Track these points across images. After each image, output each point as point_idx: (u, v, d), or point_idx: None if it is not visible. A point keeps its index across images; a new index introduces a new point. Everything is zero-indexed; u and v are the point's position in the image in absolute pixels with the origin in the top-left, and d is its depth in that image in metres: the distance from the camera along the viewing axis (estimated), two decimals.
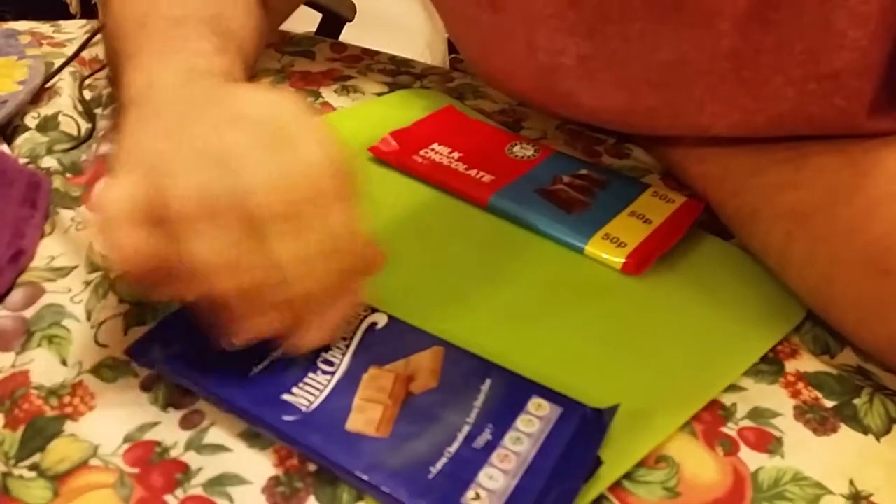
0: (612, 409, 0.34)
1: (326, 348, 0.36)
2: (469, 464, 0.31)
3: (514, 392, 0.34)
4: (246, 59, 0.50)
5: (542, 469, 0.31)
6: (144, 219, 0.32)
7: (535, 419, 0.33)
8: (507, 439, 0.33)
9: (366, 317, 0.38)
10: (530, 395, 0.34)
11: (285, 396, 0.34)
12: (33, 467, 0.33)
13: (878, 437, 0.36)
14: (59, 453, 0.34)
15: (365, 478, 0.31)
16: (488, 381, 0.35)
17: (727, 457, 0.35)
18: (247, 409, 0.34)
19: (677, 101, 0.45)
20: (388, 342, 0.36)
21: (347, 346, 0.36)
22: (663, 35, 0.43)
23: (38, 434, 0.34)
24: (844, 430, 0.36)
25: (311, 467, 0.33)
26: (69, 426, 0.35)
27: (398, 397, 0.34)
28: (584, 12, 0.45)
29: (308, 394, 0.34)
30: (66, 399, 0.36)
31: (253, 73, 0.56)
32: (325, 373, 0.35)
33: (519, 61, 0.50)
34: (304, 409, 0.34)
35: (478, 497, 0.30)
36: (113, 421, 0.35)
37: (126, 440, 0.34)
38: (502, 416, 0.33)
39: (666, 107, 0.46)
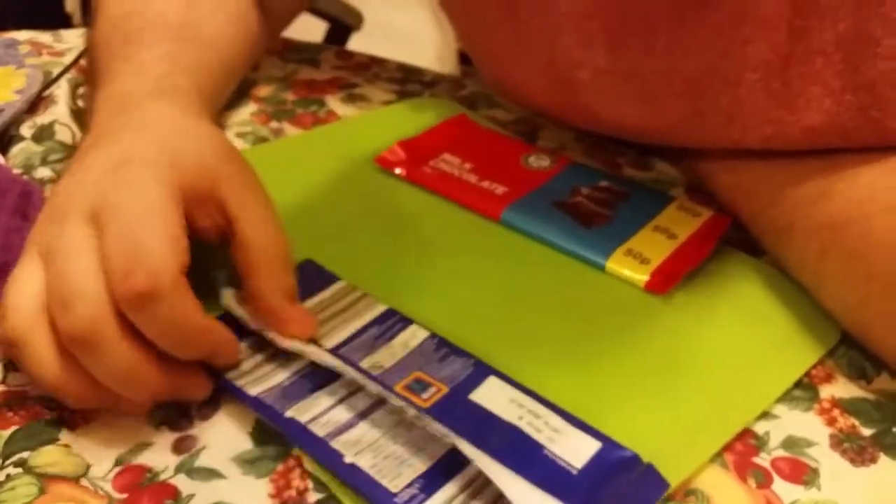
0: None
1: None
2: None
3: None
4: (225, 62, 0.50)
5: None
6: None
7: None
8: None
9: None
10: None
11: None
12: (20, 463, 0.32)
13: None
14: (51, 456, 0.33)
15: None
16: None
17: (760, 489, 0.33)
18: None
19: (705, 113, 0.44)
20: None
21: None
22: (689, 44, 0.42)
23: (32, 436, 0.33)
24: (884, 460, 0.34)
25: (311, 498, 0.31)
26: (64, 435, 0.34)
27: None
28: (606, 23, 0.43)
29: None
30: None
31: (244, 75, 0.57)
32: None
33: (536, 72, 0.48)
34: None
35: None
36: (107, 439, 0.34)
37: (117, 463, 0.33)
38: None
39: (693, 119, 0.44)
